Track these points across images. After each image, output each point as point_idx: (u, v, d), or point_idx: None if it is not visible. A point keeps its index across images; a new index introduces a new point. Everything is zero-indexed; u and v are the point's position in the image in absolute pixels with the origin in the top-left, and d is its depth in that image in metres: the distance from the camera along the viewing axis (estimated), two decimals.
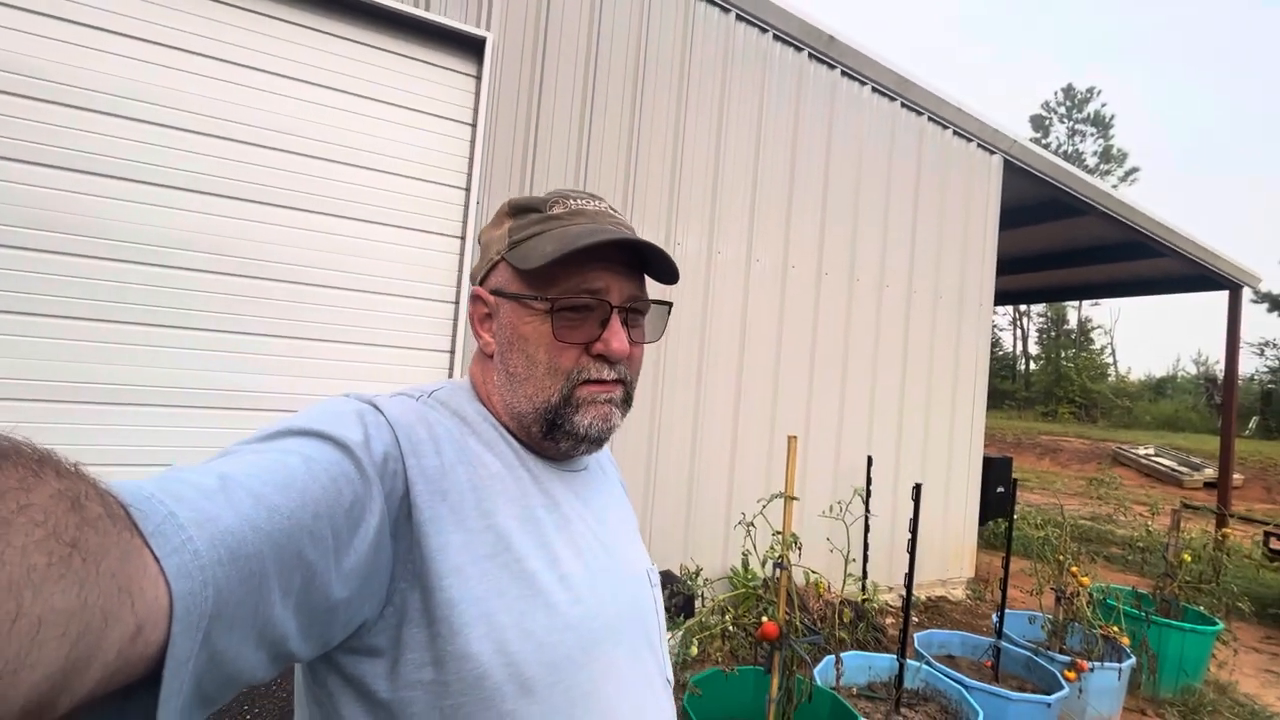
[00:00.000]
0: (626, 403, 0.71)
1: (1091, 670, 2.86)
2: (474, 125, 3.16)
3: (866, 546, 4.04)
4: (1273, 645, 4.52)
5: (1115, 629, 3.17)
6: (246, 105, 2.70)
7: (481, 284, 0.72)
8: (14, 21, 2.31)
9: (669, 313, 0.75)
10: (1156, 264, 7.74)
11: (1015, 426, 23.99)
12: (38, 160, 2.35)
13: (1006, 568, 2.92)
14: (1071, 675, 2.80)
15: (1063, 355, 34.35)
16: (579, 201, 0.69)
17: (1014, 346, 38.83)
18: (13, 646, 0.24)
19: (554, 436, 0.68)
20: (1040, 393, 32.56)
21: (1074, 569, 3.06)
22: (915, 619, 4.34)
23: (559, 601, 0.60)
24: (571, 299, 0.65)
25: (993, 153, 5.14)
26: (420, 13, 2.95)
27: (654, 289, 0.70)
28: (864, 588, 3.99)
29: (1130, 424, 26.52)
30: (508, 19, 3.18)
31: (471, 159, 3.14)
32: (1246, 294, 8.14)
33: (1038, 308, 35.94)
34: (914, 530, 2.44)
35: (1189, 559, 3.62)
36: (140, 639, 0.31)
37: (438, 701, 0.53)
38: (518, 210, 0.70)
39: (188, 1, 2.58)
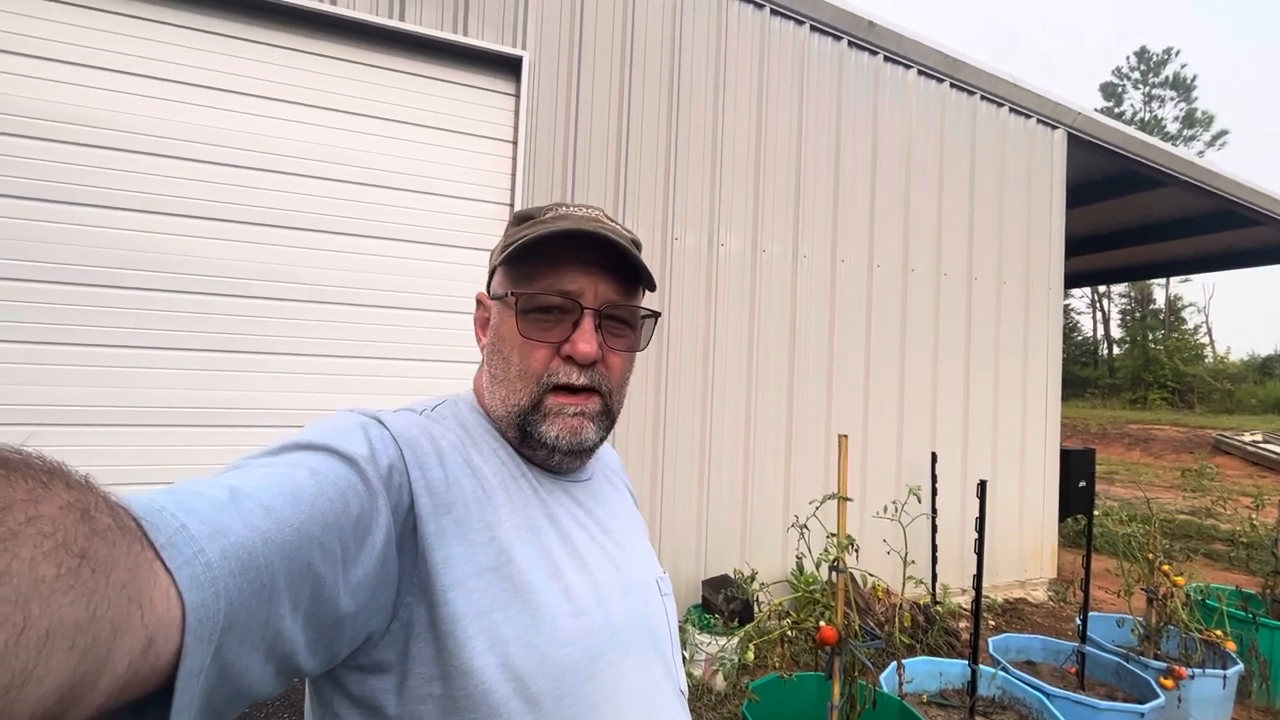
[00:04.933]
0: (605, 415, 0.70)
1: (1191, 678, 2.63)
2: (514, 143, 3.24)
3: (934, 548, 3.88)
4: None
5: (1218, 633, 2.91)
6: (290, 139, 2.86)
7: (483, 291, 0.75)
8: (60, 74, 2.54)
9: (655, 324, 0.73)
10: (1251, 233, 7.10)
11: (1100, 416, 22.43)
12: (111, 204, 2.57)
13: (1088, 567, 2.74)
14: (1168, 683, 2.59)
15: (1150, 337, 31.88)
16: (572, 209, 0.70)
17: (1094, 330, 36.42)
18: (20, 659, 0.24)
19: (528, 444, 0.68)
20: (1126, 379, 30.32)
21: (1165, 567, 2.84)
22: (993, 623, 4.13)
23: (563, 613, 0.59)
24: (541, 297, 0.65)
25: (1055, 127, 4.85)
26: (459, 38, 3.05)
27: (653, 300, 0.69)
28: (933, 590, 3.83)
29: (1233, 409, 24.32)
30: (542, 37, 3.25)
31: (514, 176, 3.22)
32: None
33: (1119, 288, 33.61)
34: (980, 529, 2.32)
35: None
36: (152, 651, 0.31)
37: (446, 716, 0.52)
38: (519, 219, 0.72)
39: (237, 45, 2.77)
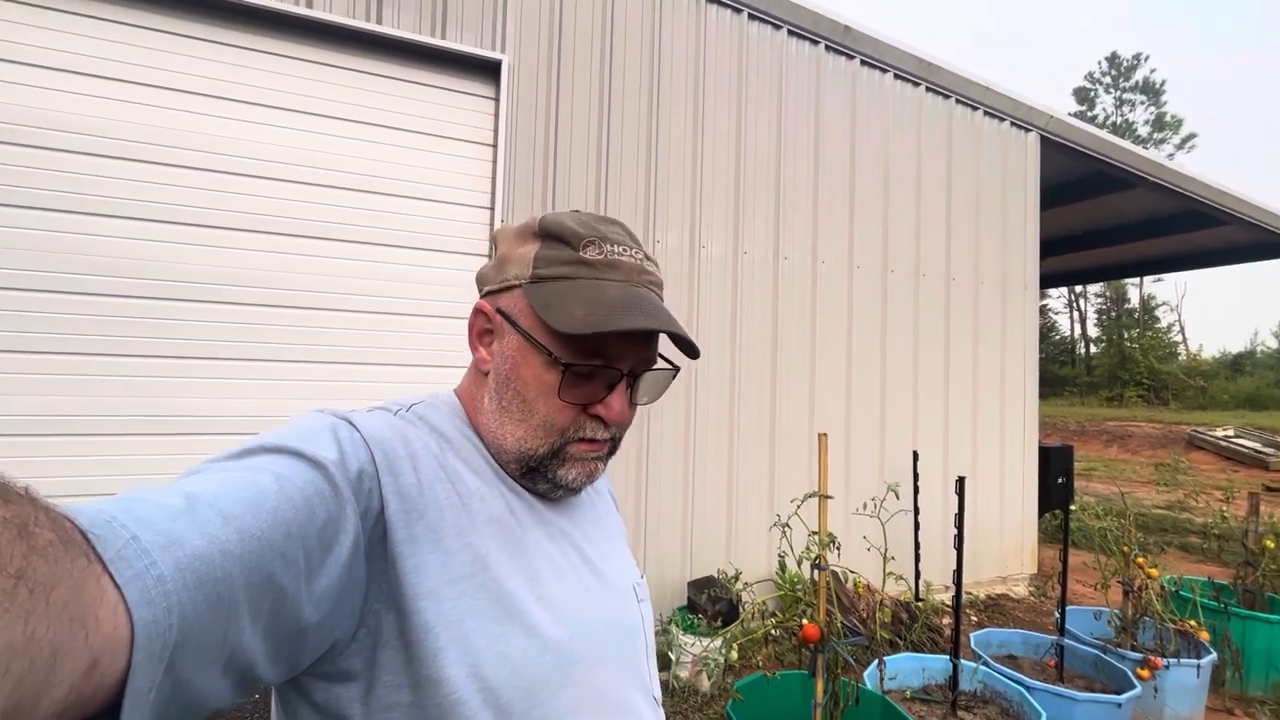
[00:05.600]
0: (612, 454, 0.70)
1: (1167, 667, 2.69)
2: (494, 146, 3.24)
3: (917, 545, 3.91)
4: None
5: (1193, 623, 2.97)
6: (272, 144, 2.84)
7: (487, 297, 0.68)
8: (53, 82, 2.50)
9: (673, 378, 0.71)
10: (1218, 233, 7.27)
11: (1078, 414, 22.84)
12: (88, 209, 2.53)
13: (1065, 561, 2.79)
14: (1144, 673, 2.64)
15: (1126, 336, 32.56)
16: (615, 249, 0.64)
17: (1071, 330, 37.10)
18: None
19: (531, 479, 0.66)
20: (1103, 377, 30.93)
21: (1140, 560, 2.89)
22: (975, 618, 4.18)
23: (538, 623, 0.58)
24: (586, 364, 0.62)
25: (1028, 130, 4.95)
26: (437, 42, 3.04)
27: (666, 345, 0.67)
28: (916, 587, 3.86)
29: (1206, 405, 24.91)
30: (521, 40, 3.25)
31: (494, 179, 3.21)
32: None
33: (1095, 288, 34.28)
34: (960, 525, 2.35)
35: (1271, 545, 3.37)
36: (96, 672, 0.29)
37: None
38: (547, 235, 0.65)
39: (213, 49, 2.74)
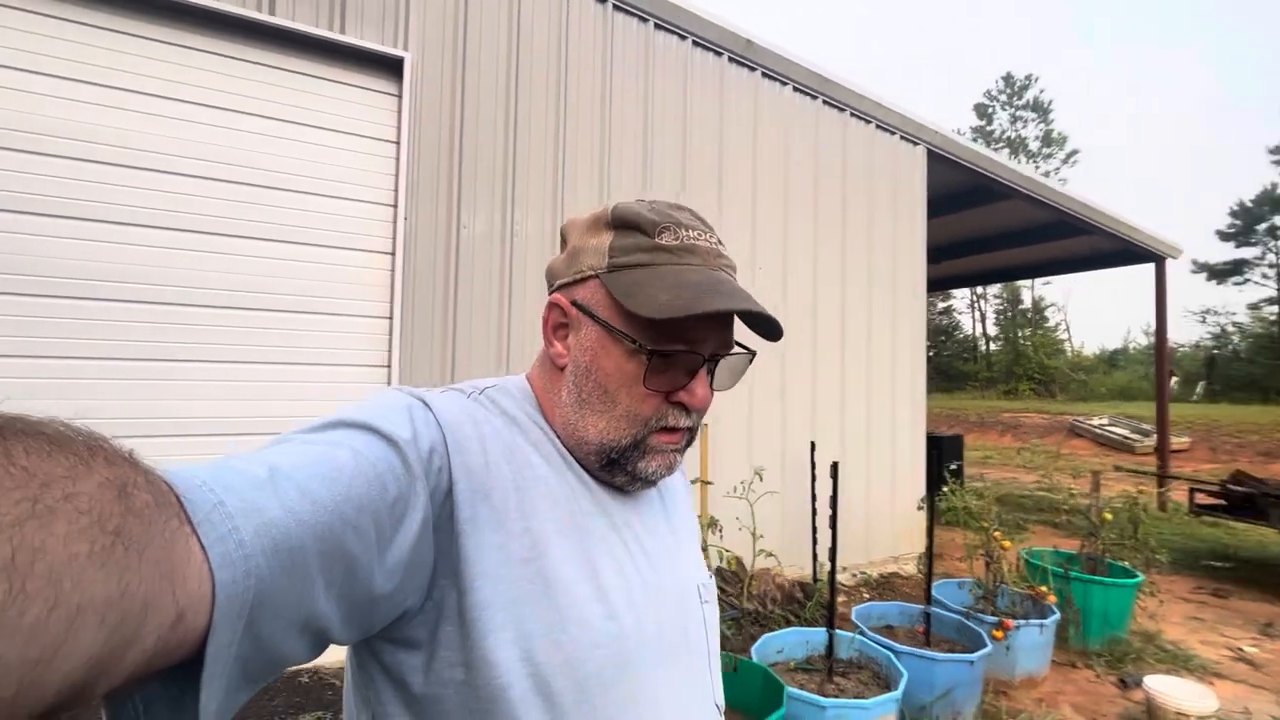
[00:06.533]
0: (689, 445, 0.70)
1: (1017, 628, 3.03)
2: (398, 143, 3.22)
3: (815, 530, 4.19)
4: (1201, 595, 4.79)
5: (1043, 588, 3.35)
6: (166, 135, 2.73)
7: (560, 290, 0.68)
8: None
9: (750, 362, 0.70)
10: (1085, 241, 8.12)
11: (979, 406, 24.65)
12: None
13: (930, 536, 3.08)
14: (999, 634, 2.97)
15: (1020, 334, 35.43)
16: (690, 233, 0.64)
17: (973, 329, 39.94)
18: (49, 634, 0.24)
19: (610, 470, 0.65)
20: (1001, 372, 33.53)
21: (997, 534, 3.24)
22: (868, 595, 4.50)
23: (593, 615, 0.57)
24: (668, 349, 0.61)
25: (916, 144, 5.36)
26: (335, 36, 3.00)
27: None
28: (814, 569, 4.13)
29: (1087, 396, 27.52)
30: (425, 39, 3.25)
31: (397, 176, 3.20)
32: (1186, 265, 8.56)
33: (994, 289, 37.01)
34: (833, 507, 2.57)
35: (1109, 517, 3.84)
36: (181, 625, 0.32)
37: (466, 704, 0.53)
38: (621, 224, 0.65)
39: (89, 33, 2.60)
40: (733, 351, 0.67)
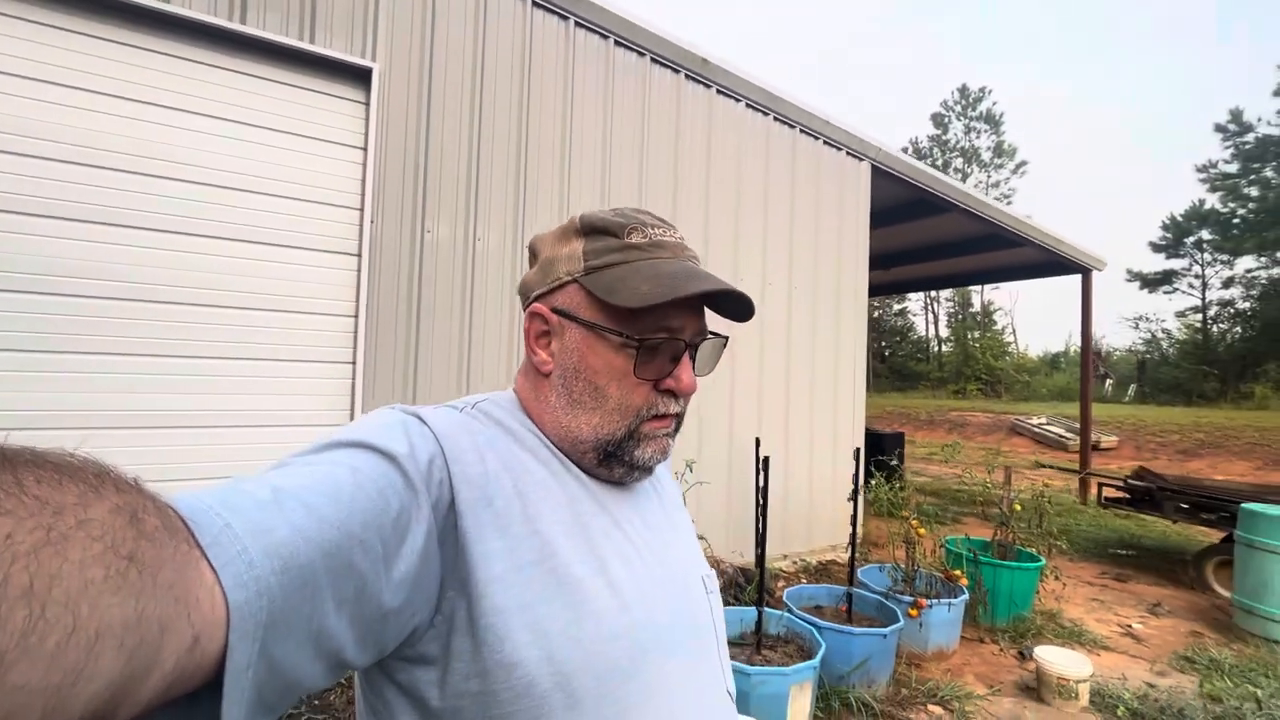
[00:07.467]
0: (678, 429, 0.74)
1: (930, 607, 3.38)
2: (365, 149, 3.36)
3: (758, 520, 4.49)
4: (1104, 579, 5.29)
5: (957, 572, 3.72)
6: (141, 138, 2.81)
7: (539, 300, 0.70)
8: None
9: (724, 347, 0.75)
10: (1020, 253, 8.68)
11: (929, 404, 25.68)
12: None
13: (855, 523, 3.41)
14: (914, 612, 3.31)
15: (970, 336, 36.91)
16: (655, 231, 0.69)
17: (926, 330, 41.42)
18: (70, 658, 0.24)
19: (608, 464, 0.68)
20: (952, 372, 34.87)
21: (914, 522, 3.58)
22: (805, 580, 4.84)
23: (606, 609, 0.59)
24: (653, 338, 0.65)
25: (861, 159, 5.71)
26: (305, 45, 3.12)
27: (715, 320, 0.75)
28: (757, 555, 4.44)
29: (1029, 397, 28.89)
30: (393, 50, 3.40)
31: (364, 181, 3.34)
32: (1121, 274, 9.16)
33: (946, 293, 38.42)
34: (764, 497, 2.85)
35: (1019, 509, 4.25)
36: (198, 649, 0.32)
37: (486, 711, 0.53)
38: (590, 230, 0.68)
39: (62, 37, 2.68)
40: (708, 336, 0.72)
